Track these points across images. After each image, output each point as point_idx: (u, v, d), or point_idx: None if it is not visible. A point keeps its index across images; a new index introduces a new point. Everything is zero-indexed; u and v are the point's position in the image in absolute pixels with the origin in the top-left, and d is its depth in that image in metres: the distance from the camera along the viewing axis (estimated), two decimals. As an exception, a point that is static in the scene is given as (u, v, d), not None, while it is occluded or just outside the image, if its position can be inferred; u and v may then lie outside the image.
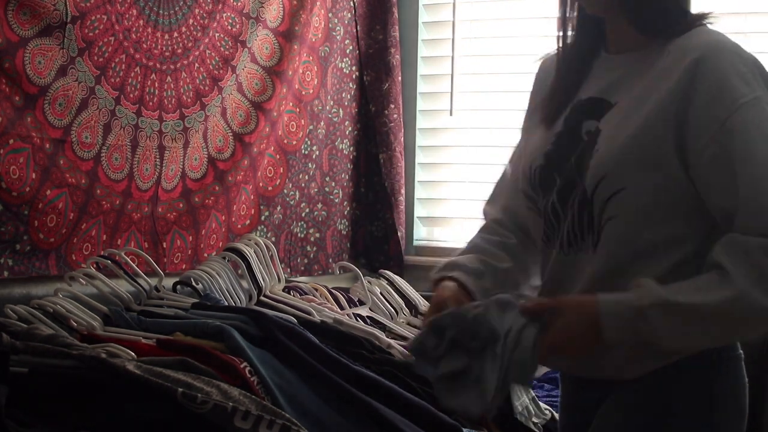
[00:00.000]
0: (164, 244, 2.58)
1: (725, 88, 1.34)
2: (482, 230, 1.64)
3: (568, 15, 1.56)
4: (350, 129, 3.34)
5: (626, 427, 1.48)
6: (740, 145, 1.32)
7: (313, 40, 3.10)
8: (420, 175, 3.55)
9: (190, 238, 2.66)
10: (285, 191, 3.04)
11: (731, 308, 1.30)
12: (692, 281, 1.33)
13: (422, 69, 3.52)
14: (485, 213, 1.68)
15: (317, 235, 3.20)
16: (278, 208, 3.01)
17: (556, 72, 1.57)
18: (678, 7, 1.45)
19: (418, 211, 3.55)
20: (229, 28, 2.73)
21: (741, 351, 1.49)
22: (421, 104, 3.53)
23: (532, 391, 2.33)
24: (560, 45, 1.58)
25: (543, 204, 1.49)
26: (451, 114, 3.45)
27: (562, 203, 1.46)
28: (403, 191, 3.42)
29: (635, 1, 1.43)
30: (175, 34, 2.55)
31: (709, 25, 1.44)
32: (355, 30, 3.32)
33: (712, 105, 1.34)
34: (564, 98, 1.53)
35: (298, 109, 3.06)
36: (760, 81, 1.35)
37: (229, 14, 2.72)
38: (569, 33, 1.57)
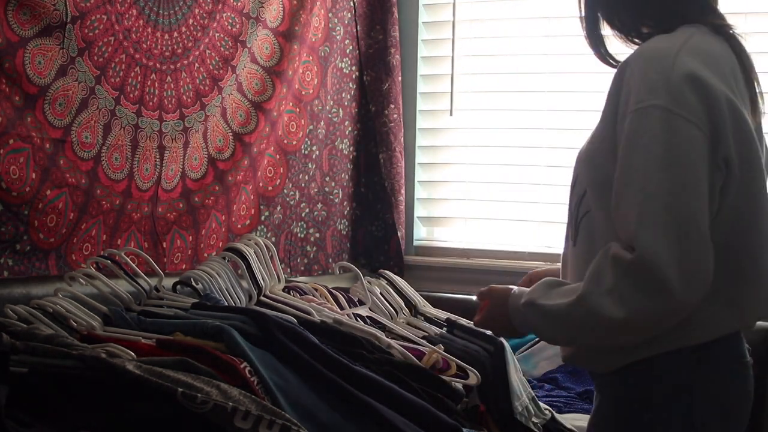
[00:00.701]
0: (164, 244, 2.58)
1: (632, 92, 1.39)
2: None
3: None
4: (350, 129, 3.34)
5: (605, 420, 1.54)
6: (623, 150, 1.38)
7: (313, 40, 3.10)
8: (420, 175, 3.55)
9: (190, 238, 2.67)
10: (285, 191, 3.04)
11: (570, 311, 1.40)
12: (563, 287, 1.47)
13: (422, 69, 3.52)
14: None
15: (317, 235, 3.20)
16: (278, 208, 3.01)
17: None
18: (662, 14, 1.50)
19: (418, 211, 3.55)
20: (229, 28, 2.73)
21: (750, 358, 1.50)
22: (421, 104, 3.53)
23: (532, 391, 2.33)
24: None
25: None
26: (451, 114, 3.45)
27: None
28: (403, 191, 3.43)
29: (620, 22, 1.55)
30: (175, 34, 2.55)
31: (692, 28, 1.46)
32: (355, 30, 3.32)
33: (624, 108, 1.40)
34: None
35: (298, 109, 3.06)
36: (670, 91, 1.36)
37: (229, 14, 2.72)
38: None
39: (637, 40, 1.54)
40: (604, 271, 1.36)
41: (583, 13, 1.59)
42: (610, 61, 1.59)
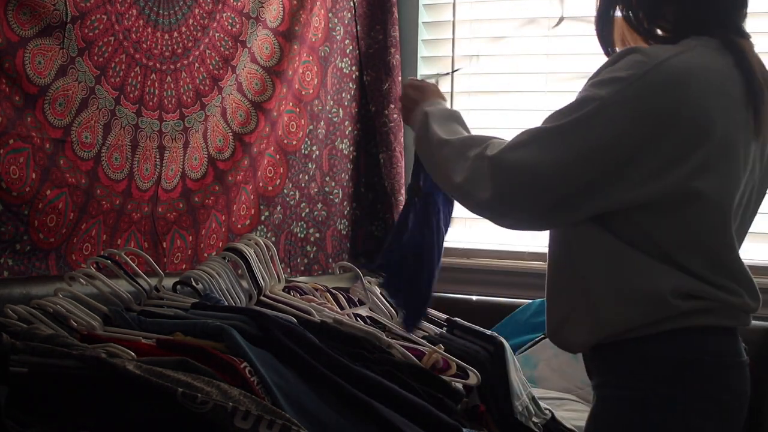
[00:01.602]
0: (164, 244, 2.58)
1: (596, 75, 1.50)
2: None
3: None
4: (350, 129, 3.34)
5: (603, 415, 1.55)
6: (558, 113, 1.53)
7: (313, 40, 3.10)
8: (420, 175, 3.55)
9: (190, 238, 2.67)
10: (285, 191, 3.04)
11: (445, 152, 1.63)
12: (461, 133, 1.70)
13: (422, 69, 3.52)
14: None
15: (317, 235, 3.20)
16: (278, 208, 3.01)
17: None
18: (682, 22, 1.54)
19: (418, 211, 3.55)
20: (229, 28, 2.73)
21: (746, 357, 1.50)
22: (421, 104, 3.53)
23: (532, 391, 2.34)
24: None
25: None
26: (451, 114, 3.45)
27: None
28: (403, 191, 3.42)
29: (636, 20, 1.59)
30: (175, 34, 2.55)
31: (703, 39, 1.50)
32: (355, 30, 3.32)
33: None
34: None
35: (298, 109, 3.06)
36: (625, 91, 1.43)
37: (229, 14, 2.72)
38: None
39: (650, 41, 1.55)
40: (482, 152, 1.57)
41: (597, 11, 1.62)
42: (607, 45, 1.64)
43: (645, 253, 1.46)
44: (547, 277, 1.63)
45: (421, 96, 1.85)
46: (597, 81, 1.47)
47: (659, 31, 1.55)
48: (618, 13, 1.61)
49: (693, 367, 1.45)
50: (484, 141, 1.58)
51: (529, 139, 1.53)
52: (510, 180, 1.50)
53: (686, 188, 1.43)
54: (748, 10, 1.57)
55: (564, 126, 1.47)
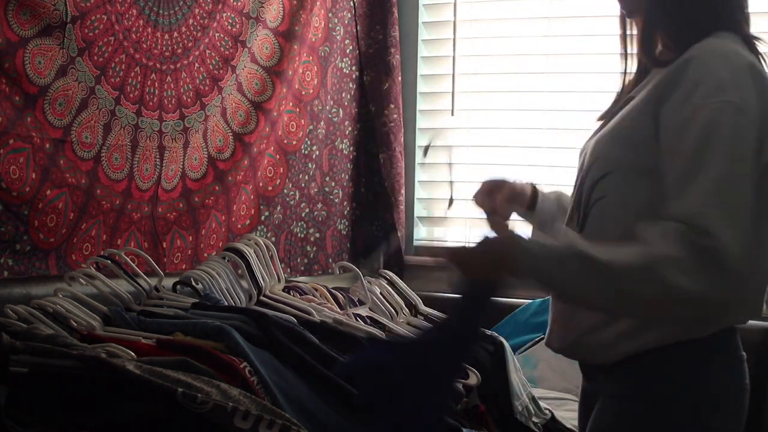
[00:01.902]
0: (164, 244, 2.58)
1: (699, 87, 1.40)
2: None
3: (628, 32, 1.64)
4: (350, 129, 3.34)
5: (617, 417, 1.52)
6: (691, 140, 1.38)
7: (313, 40, 3.10)
8: (420, 175, 3.55)
9: (190, 238, 2.66)
10: (285, 191, 3.04)
11: (632, 271, 1.34)
12: (612, 246, 1.39)
13: (422, 69, 3.52)
14: None
15: (317, 235, 3.20)
16: (278, 208, 3.01)
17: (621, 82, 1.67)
18: (703, 19, 1.50)
19: (418, 211, 3.55)
20: (229, 28, 2.73)
21: (744, 353, 1.50)
22: (421, 104, 3.53)
23: (532, 391, 2.34)
24: (622, 59, 1.65)
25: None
26: (452, 114, 3.45)
27: (574, 185, 1.60)
28: (403, 191, 3.43)
29: (666, 19, 1.52)
30: (175, 34, 2.55)
31: (732, 35, 1.48)
32: (355, 30, 3.32)
33: (684, 100, 1.40)
34: (617, 102, 1.63)
35: (298, 109, 3.06)
36: (739, 89, 1.39)
37: (229, 14, 2.72)
38: (628, 49, 1.64)
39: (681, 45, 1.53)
40: (664, 243, 1.34)
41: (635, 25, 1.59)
42: (653, 58, 1.56)
43: None
44: None
45: (496, 242, 1.50)
46: (700, 94, 1.40)
47: (689, 37, 1.54)
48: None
49: (699, 365, 1.46)
50: (654, 242, 1.36)
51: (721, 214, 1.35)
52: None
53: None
54: (749, 10, 1.56)
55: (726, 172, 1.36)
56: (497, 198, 1.73)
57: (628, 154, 1.47)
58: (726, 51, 1.44)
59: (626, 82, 1.63)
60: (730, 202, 1.34)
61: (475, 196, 1.75)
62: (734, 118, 1.37)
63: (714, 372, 1.46)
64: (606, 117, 1.61)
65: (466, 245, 1.53)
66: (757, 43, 1.51)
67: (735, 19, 1.52)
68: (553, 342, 1.62)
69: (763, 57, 1.51)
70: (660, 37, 1.55)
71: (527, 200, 1.78)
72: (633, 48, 1.62)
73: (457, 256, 1.48)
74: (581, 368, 1.64)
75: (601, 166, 1.51)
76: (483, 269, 1.44)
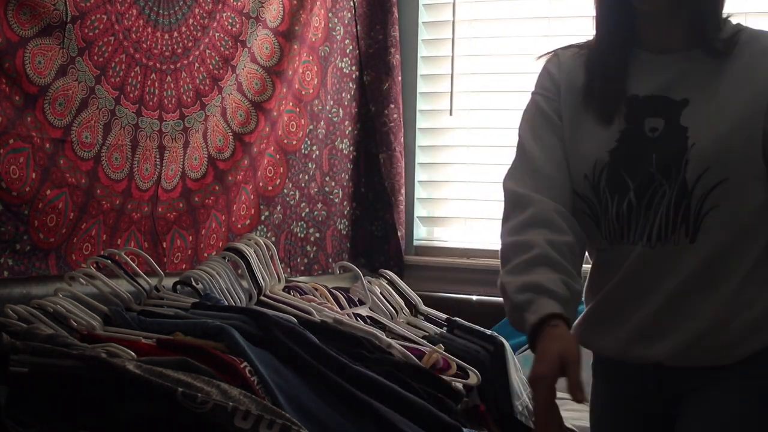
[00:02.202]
0: (164, 244, 2.58)
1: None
2: (549, 226, 1.50)
3: (606, 14, 1.55)
4: (350, 129, 3.34)
5: (748, 411, 1.49)
6: None
7: (313, 39, 3.10)
8: (420, 175, 3.55)
9: (190, 237, 2.66)
10: (285, 191, 3.04)
11: None
12: None
13: (422, 69, 3.52)
14: (537, 201, 1.53)
15: (317, 235, 3.20)
16: (278, 208, 3.01)
17: (594, 69, 1.56)
18: (720, 8, 1.50)
19: (418, 211, 3.55)
20: (229, 27, 2.73)
21: None
22: (421, 104, 3.53)
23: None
24: (596, 42, 1.57)
25: (612, 203, 1.50)
26: (451, 114, 3.45)
27: (640, 199, 1.48)
28: (403, 191, 3.43)
29: (695, 3, 1.46)
30: (175, 34, 2.55)
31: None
32: (355, 30, 3.32)
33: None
34: (615, 95, 1.53)
35: (298, 109, 3.06)
36: None
37: (229, 14, 2.72)
38: (605, 30, 1.56)
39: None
40: None
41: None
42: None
43: None
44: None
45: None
46: None
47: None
48: None
49: None
50: None
51: None
52: None
53: None
54: (749, 10, 1.58)
55: None
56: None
57: (746, 162, 1.44)
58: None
59: (604, 68, 1.55)
60: None
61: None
62: None
63: None
64: (605, 117, 1.52)
65: None
66: None
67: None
68: (655, 352, 1.53)
69: None
70: (688, 28, 1.50)
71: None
72: None
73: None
74: (660, 374, 1.55)
75: (718, 172, 1.44)
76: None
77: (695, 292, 1.48)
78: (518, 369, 2.34)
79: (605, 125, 1.52)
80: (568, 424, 2.31)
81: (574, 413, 2.46)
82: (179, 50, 2.57)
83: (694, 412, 1.52)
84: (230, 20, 2.73)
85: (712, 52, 1.47)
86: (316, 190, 3.18)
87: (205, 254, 2.67)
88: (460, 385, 2.05)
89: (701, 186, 1.45)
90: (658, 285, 1.49)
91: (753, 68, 1.45)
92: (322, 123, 3.18)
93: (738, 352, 1.49)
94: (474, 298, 3.28)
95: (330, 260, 3.25)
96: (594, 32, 1.58)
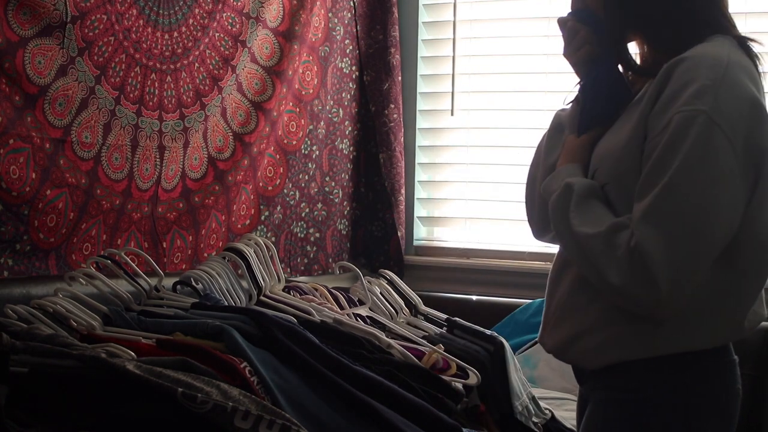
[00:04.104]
0: (164, 244, 2.58)
1: (681, 93, 1.40)
2: None
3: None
4: (350, 129, 3.34)
5: (603, 421, 1.53)
6: (661, 147, 1.39)
7: (313, 40, 3.10)
8: (420, 175, 3.55)
9: (190, 238, 2.67)
10: (285, 191, 3.04)
11: (586, 241, 1.45)
12: (601, 211, 1.48)
13: (422, 69, 3.52)
14: None
15: (317, 235, 3.20)
16: (278, 208, 3.01)
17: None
18: (694, 25, 1.50)
19: (418, 211, 3.55)
20: (229, 27, 2.73)
21: (735, 357, 1.50)
22: (421, 104, 3.53)
23: (532, 391, 2.34)
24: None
25: None
26: (452, 114, 3.45)
27: None
28: (403, 191, 3.43)
29: (652, 29, 1.54)
30: (175, 34, 2.55)
31: (729, 38, 1.48)
32: (355, 30, 3.32)
33: (666, 106, 1.41)
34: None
35: (298, 109, 3.06)
36: (719, 97, 1.38)
37: (229, 14, 2.72)
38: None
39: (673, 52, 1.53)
40: (620, 239, 1.41)
41: (608, 34, 1.58)
42: (634, 66, 1.57)
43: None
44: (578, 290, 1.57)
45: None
46: (678, 102, 1.41)
47: (682, 41, 1.54)
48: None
49: (691, 370, 1.45)
50: (623, 226, 1.44)
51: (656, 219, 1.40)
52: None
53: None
54: (749, 10, 1.57)
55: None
56: None
57: (617, 166, 1.49)
58: (715, 55, 1.43)
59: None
60: (670, 217, 1.37)
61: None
62: (702, 127, 1.37)
63: (704, 378, 1.46)
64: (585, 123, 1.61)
65: None
66: (751, 44, 1.51)
67: (723, 23, 1.51)
68: (546, 342, 1.64)
69: (758, 57, 1.50)
70: (654, 50, 1.55)
71: None
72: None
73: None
74: (573, 371, 1.65)
75: (600, 176, 1.52)
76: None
77: (583, 289, 1.53)
78: (518, 369, 2.34)
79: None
80: (567, 424, 2.32)
81: (574, 413, 2.46)
82: (179, 50, 2.57)
83: (585, 416, 1.59)
84: (230, 20, 2.73)
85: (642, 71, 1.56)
86: (316, 190, 3.18)
87: (205, 254, 2.68)
88: (460, 385, 2.05)
89: None
90: (564, 277, 1.58)
91: (652, 86, 1.47)
92: (322, 123, 3.18)
93: (602, 360, 1.51)
94: (474, 298, 3.28)
95: (330, 260, 3.25)
96: None
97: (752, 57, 1.49)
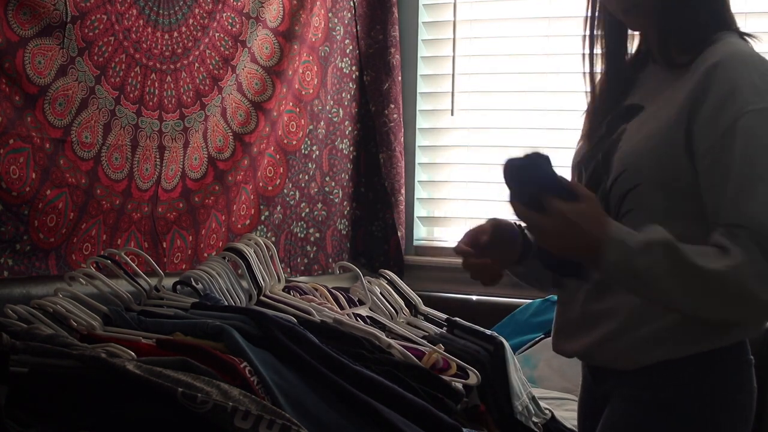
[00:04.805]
0: (164, 244, 2.58)
1: (734, 96, 1.38)
2: None
3: (595, 33, 1.61)
4: (350, 129, 3.34)
5: (625, 422, 1.51)
6: (740, 150, 1.36)
7: (313, 39, 3.10)
8: (420, 175, 3.55)
9: (190, 238, 2.67)
10: (285, 191, 3.04)
11: (726, 276, 1.31)
12: (696, 246, 1.35)
13: (422, 69, 3.52)
14: None
15: (317, 235, 3.20)
16: (278, 208, 3.01)
17: (604, 81, 1.62)
18: (710, 19, 1.49)
19: (418, 211, 3.55)
20: (229, 27, 2.73)
21: (751, 356, 1.50)
22: (421, 104, 3.53)
23: (532, 391, 2.34)
24: (606, 56, 1.62)
25: None
26: (452, 114, 3.45)
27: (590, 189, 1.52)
28: (403, 191, 3.43)
29: (670, 18, 1.49)
30: (175, 34, 2.55)
31: (736, 34, 1.48)
32: (355, 30, 3.32)
33: (720, 111, 1.38)
34: (608, 105, 1.59)
35: (298, 109, 3.06)
36: None
37: (229, 14, 2.72)
38: (595, 49, 1.62)
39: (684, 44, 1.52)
40: (742, 251, 1.33)
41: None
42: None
43: None
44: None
45: (592, 216, 1.38)
46: (736, 103, 1.38)
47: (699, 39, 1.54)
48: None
49: (715, 371, 1.45)
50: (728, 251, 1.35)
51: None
52: None
53: None
54: (749, 10, 1.57)
55: None
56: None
57: (661, 170, 1.44)
58: (749, 54, 1.43)
59: (595, 82, 1.62)
60: None
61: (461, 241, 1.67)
62: None
63: (726, 379, 1.46)
64: (594, 125, 1.59)
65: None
66: (752, 40, 1.50)
67: (729, 18, 1.51)
68: (567, 348, 1.59)
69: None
70: (670, 41, 1.52)
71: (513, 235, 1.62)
72: (598, 48, 1.60)
73: (532, 221, 1.38)
74: (591, 371, 1.62)
75: (631, 179, 1.46)
76: (566, 247, 1.36)
77: (610, 292, 1.49)
78: (518, 369, 2.34)
79: (594, 132, 1.60)
80: (568, 424, 2.32)
81: (574, 413, 2.46)
82: (179, 50, 2.57)
83: (604, 416, 1.55)
84: (230, 20, 2.73)
85: (672, 63, 1.49)
86: (316, 190, 3.18)
87: (205, 254, 2.67)
88: (460, 385, 2.05)
89: (618, 187, 1.48)
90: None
91: (688, 82, 1.44)
92: (322, 123, 3.18)
93: (641, 360, 1.48)
94: (474, 298, 3.28)
95: (330, 260, 3.25)
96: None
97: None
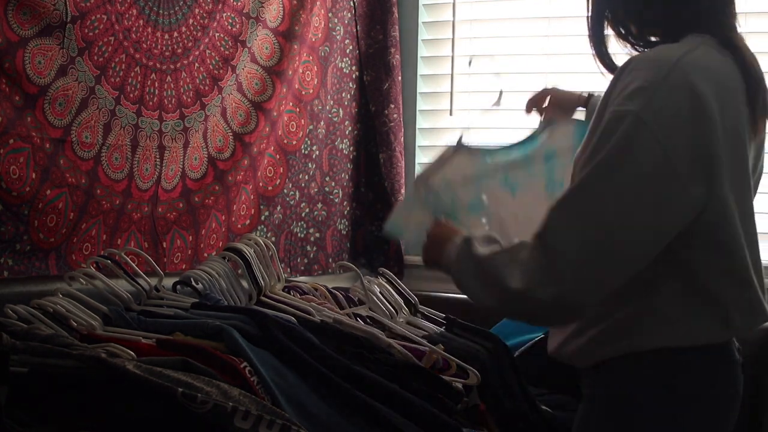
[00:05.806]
0: (164, 244, 2.58)
1: (620, 93, 1.39)
2: None
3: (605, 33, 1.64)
4: (350, 129, 3.34)
5: (580, 416, 1.57)
6: (591, 146, 1.39)
7: (313, 39, 3.10)
8: (420, 175, 3.55)
9: (190, 238, 2.67)
10: (285, 191, 3.04)
11: (491, 259, 1.47)
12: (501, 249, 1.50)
13: (422, 69, 3.52)
14: None
15: (317, 235, 3.20)
16: (278, 208, 3.01)
17: None
18: (673, 22, 1.49)
19: (418, 211, 3.55)
20: (229, 27, 2.73)
21: (739, 356, 1.50)
22: (421, 104, 3.53)
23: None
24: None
25: None
26: (451, 114, 3.45)
27: None
28: (403, 191, 3.42)
29: (625, 29, 1.54)
30: (175, 34, 2.55)
31: (699, 34, 1.46)
32: (355, 30, 3.32)
33: (605, 109, 1.41)
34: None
35: (298, 109, 3.06)
36: (651, 100, 1.35)
37: (229, 14, 2.72)
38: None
39: (644, 48, 1.53)
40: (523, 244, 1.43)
41: (589, 13, 1.57)
42: (607, 62, 1.57)
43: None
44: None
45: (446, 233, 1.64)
46: (613, 102, 1.40)
47: (653, 38, 1.53)
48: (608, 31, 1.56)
49: (683, 369, 1.45)
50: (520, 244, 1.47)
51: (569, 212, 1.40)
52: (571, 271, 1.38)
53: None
54: (749, 10, 1.55)
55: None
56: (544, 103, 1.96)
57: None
58: (664, 56, 1.41)
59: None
60: (581, 215, 1.36)
61: (526, 104, 2.07)
62: (627, 127, 1.35)
63: (686, 376, 1.46)
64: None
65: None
66: (738, 44, 1.47)
67: (716, 20, 1.48)
68: (548, 345, 1.65)
69: (744, 58, 1.47)
70: (631, 42, 1.54)
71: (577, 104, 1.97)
72: (610, 47, 1.60)
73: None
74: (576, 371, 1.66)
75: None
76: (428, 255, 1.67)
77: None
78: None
79: None
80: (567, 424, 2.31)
81: (574, 413, 2.46)
82: (179, 50, 2.57)
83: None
84: (230, 20, 2.73)
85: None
86: (316, 190, 3.18)
87: (205, 254, 2.68)
88: (460, 385, 2.05)
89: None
90: None
91: (610, 83, 1.47)
92: (322, 123, 3.18)
93: (592, 357, 1.52)
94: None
95: (330, 260, 3.25)
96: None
97: (739, 60, 1.46)
